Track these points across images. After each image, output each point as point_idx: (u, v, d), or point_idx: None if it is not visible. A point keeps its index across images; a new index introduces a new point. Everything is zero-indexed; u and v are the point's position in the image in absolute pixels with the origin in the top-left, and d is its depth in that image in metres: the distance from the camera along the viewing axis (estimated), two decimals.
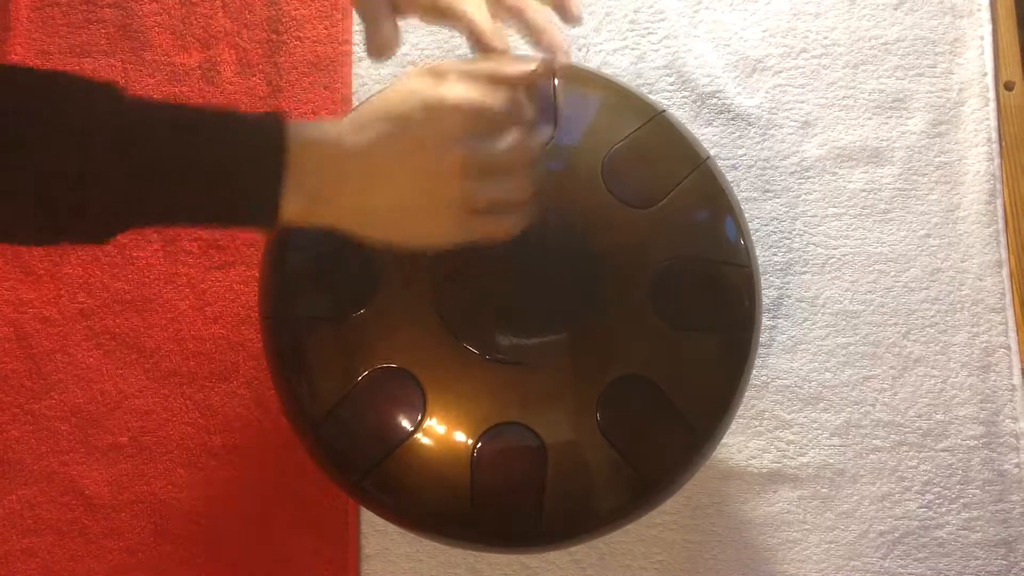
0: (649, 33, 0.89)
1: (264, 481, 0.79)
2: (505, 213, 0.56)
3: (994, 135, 0.86)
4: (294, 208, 0.52)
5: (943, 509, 0.79)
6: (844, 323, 0.82)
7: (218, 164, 0.51)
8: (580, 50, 0.89)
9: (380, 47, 0.58)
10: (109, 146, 0.49)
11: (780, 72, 0.88)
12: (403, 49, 0.88)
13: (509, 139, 0.55)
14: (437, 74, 0.55)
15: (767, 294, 0.83)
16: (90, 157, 0.49)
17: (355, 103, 0.87)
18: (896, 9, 0.90)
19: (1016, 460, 0.80)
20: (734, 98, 0.87)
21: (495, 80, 0.55)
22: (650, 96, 0.81)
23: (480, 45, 0.58)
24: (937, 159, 0.86)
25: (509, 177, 0.55)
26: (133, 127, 0.50)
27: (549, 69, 0.57)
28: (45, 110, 0.48)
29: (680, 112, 0.87)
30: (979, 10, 0.89)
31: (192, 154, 0.51)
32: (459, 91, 0.54)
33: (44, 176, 0.49)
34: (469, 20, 0.58)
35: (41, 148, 0.48)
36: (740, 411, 0.73)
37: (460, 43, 0.88)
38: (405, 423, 0.62)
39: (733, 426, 0.69)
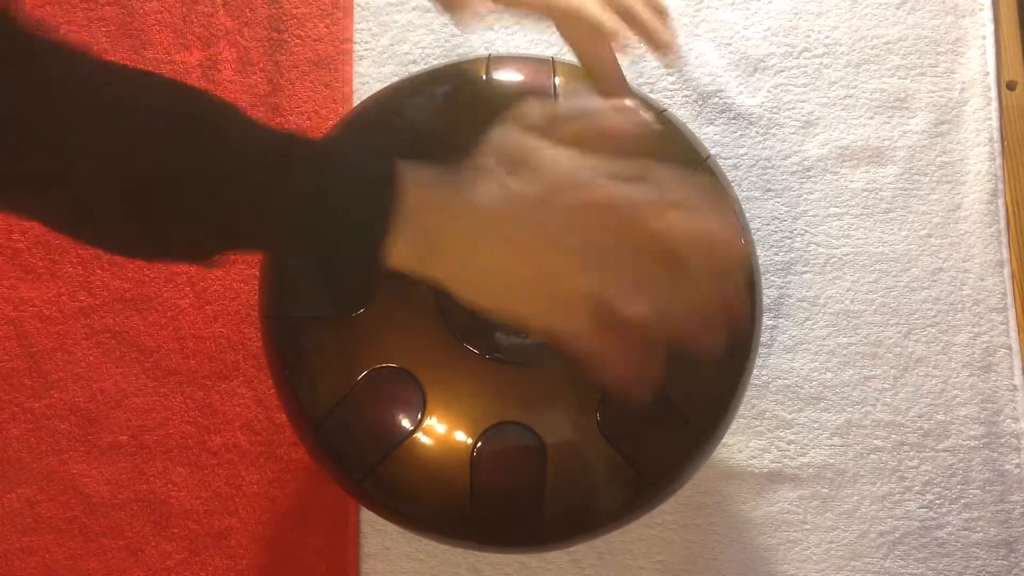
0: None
1: (264, 480, 0.79)
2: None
3: (996, 135, 0.86)
4: (402, 252, 0.47)
5: (944, 509, 0.79)
6: (845, 323, 0.82)
7: (323, 195, 0.47)
8: None
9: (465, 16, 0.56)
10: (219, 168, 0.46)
11: (782, 71, 0.88)
12: (404, 48, 0.88)
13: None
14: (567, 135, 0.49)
15: (768, 293, 0.83)
16: (202, 178, 0.46)
17: (356, 101, 0.87)
18: (898, 8, 0.89)
19: (1017, 460, 0.80)
20: (735, 97, 0.87)
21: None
22: (651, 95, 0.81)
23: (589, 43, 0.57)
24: (939, 159, 0.86)
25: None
26: (244, 152, 0.47)
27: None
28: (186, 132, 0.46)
29: (681, 111, 0.87)
30: (981, 9, 0.89)
31: (292, 183, 0.47)
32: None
33: (146, 189, 0.46)
34: (583, 11, 0.55)
35: (157, 160, 0.45)
36: (740, 411, 0.73)
37: (462, 41, 0.88)
38: (405, 422, 0.62)
39: (733, 426, 0.69)
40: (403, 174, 0.47)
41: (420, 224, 0.47)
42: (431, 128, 0.66)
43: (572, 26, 0.58)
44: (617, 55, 0.59)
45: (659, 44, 0.60)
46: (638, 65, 0.88)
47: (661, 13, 0.61)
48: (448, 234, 0.48)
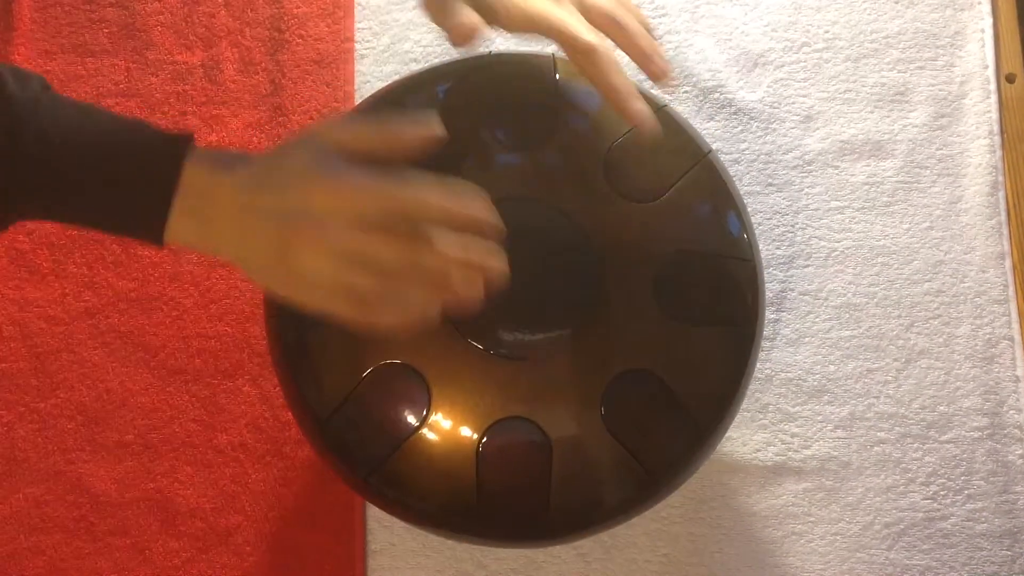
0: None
1: (270, 478, 0.80)
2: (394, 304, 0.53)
3: (996, 127, 0.86)
4: (181, 230, 0.52)
5: (948, 500, 0.79)
6: (847, 316, 0.82)
7: (116, 170, 0.52)
8: None
9: (463, 33, 0.57)
10: (9, 129, 0.50)
11: (782, 66, 0.88)
12: (405, 46, 0.88)
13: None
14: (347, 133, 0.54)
15: (770, 287, 0.83)
16: None
17: (357, 100, 0.87)
18: (897, 3, 0.90)
19: (1020, 451, 0.80)
20: (736, 92, 0.87)
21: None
22: (652, 91, 0.82)
23: (578, 55, 0.58)
24: (939, 152, 0.86)
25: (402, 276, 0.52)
26: (41, 115, 0.51)
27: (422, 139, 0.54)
28: None
29: (682, 107, 0.87)
30: (980, 3, 0.89)
31: (94, 154, 0.52)
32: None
33: None
34: (565, 31, 0.58)
35: None
36: (744, 404, 0.73)
37: None
38: (410, 419, 0.62)
39: (737, 419, 0.70)
40: (193, 155, 0.52)
41: (193, 204, 0.52)
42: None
43: (565, 47, 0.60)
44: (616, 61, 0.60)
45: (653, 73, 0.62)
46: None
47: (648, 31, 0.62)
48: (215, 216, 0.53)
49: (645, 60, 0.62)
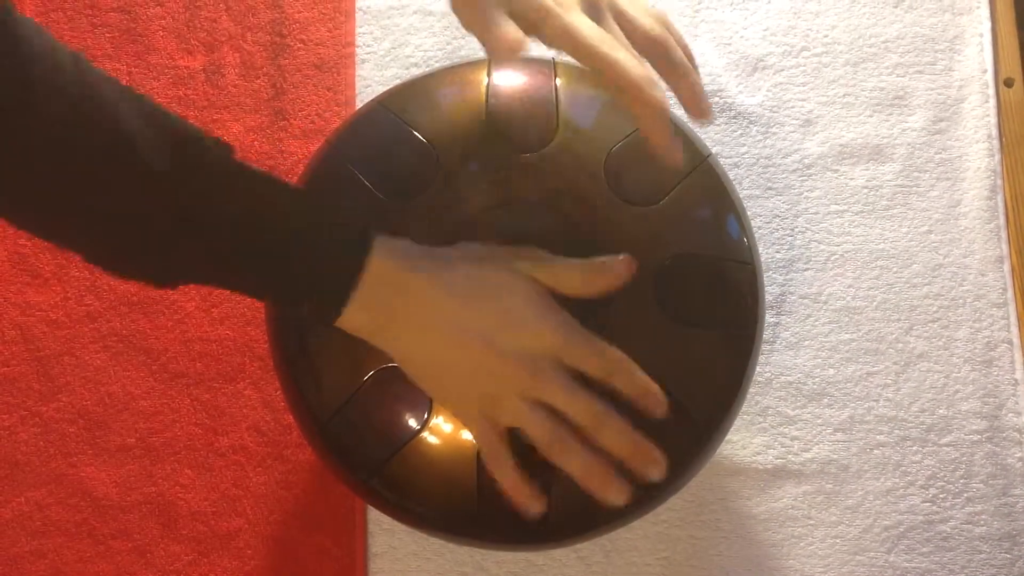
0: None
1: (271, 481, 0.80)
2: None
3: (994, 131, 0.87)
4: (356, 320, 0.52)
5: (947, 504, 0.79)
6: (847, 319, 0.83)
7: (296, 247, 0.51)
8: None
9: (504, 47, 0.54)
10: (198, 198, 0.49)
11: (781, 71, 0.88)
12: (406, 51, 0.89)
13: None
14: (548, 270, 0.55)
15: (770, 291, 0.83)
16: (175, 205, 0.49)
17: (359, 104, 0.87)
18: (896, 7, 0.90)
19: (1019, 454, 0.80)
20: (735, 97, 0.88)
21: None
22: None
23: (623, 93, 0.55)
24: (938, 156, 0.86)
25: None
26: (229, 186, 0.50)
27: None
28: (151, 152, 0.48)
29: (682, 111, 0.87)
30: (978, 7, 0.90)
31: (274, 229, 0.51)
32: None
33: (114, 215, 0.49)
34: (613, 65, 0.55)
35: (130, 187, 0.48)
36: (744, 408, 0.73)
37: (463, 44, 0.89)
38: (411, 422, 0.62)
39: (737, 423, 0.70)
40: (373, 244, 0.52)
41: (378, 297, 0.52)
42: (430, 134, 0.66)
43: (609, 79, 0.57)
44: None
45: (696, 114, 0.59)
46: None
47: (690, 59, 0.60)
48: (401, 314, 0.53)
49: (692, 101, 0.58)
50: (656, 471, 0.55)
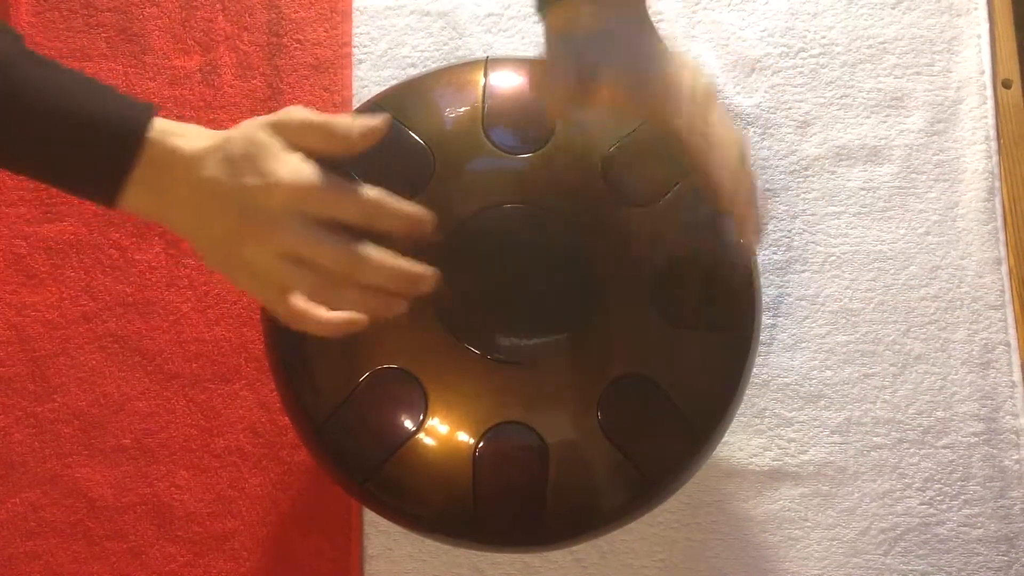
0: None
1: (267, 482, 0.80)
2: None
3: (992, 133, 0.87)
4: (135, 199, 0.54)
5: (944, 506, 0.79)
6: (844, 321, 0.83)
7: (79, 130, 0.53)
8: None
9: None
10: None
11: (778, 72, 0.88)
12: (403, 51, 0.89)
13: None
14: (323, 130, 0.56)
15: (767, 292, 0.83)
16: None
17: (355, 104, 0.87)
18: (893, 8, 0.90)
19: (1017, 456, 0.80)
20: (733, 98, 0.87)
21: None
22: None
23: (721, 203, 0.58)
24: (935, 157, 0.86)
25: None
26: (13, 68, 0.52)
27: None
28: None
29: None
30: (976, 8, 0.90)
31: (61, 109, 0.53)
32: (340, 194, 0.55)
33: None
34: (716, 177, 0.59)
35: None
36: (741, 409, 0.73)
37: (460, 44, 0.89)
38: (407, 423, 0.62)
39: (734, 424, 0.70)
40: (157, 127, 0.54)
41: (154, 177, 0.54)
42: (427, 135, 0.66)
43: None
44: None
45: (750, 236, 0.61)
46: None
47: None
48: (174, 193, 0.54)
49: (748, 230, 0.61)
50: (425, 284, 0.56)
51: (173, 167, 0.54)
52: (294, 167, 0.54)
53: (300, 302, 0.55)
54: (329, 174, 0.55)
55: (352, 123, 0.56)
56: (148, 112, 0.54)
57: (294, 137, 0.55)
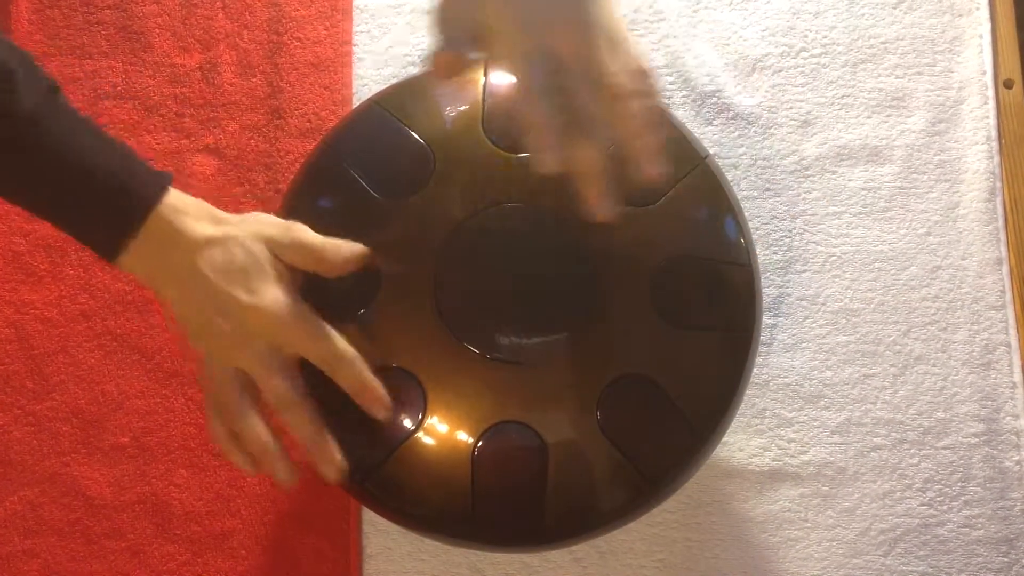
0: (648, 33, 0.89)
1: (265, 481, 0.80)
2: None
3: (993, 133, 0.86)
4: (132, 263, 0.57)
5: (944, 507, 0.79)
6: (844, 321, 0.82)
7: (92, 189, 0.56)
8: None
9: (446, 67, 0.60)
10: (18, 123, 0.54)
11: (780, 71, 0.88)
12: (403, 49, 0.88)
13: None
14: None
15: (767, 292, 0.83)
16: None
17: (355, 103, 0.87)
18: (895, 8, 0.90)
19: (1017, 457, 0.80)
20: (734, 97, 0.87)
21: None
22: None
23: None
24: (937, 157, 0.86)
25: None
26: (46, 118, 0.55)
27: None
28: None
29: (679, 111, 0.87)
30: (978, 9, 0.89)
31: (78, 166, 0.56)
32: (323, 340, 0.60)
33: None
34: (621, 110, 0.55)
35: None
36: (741, 409, 0.73)
37: None
38: (406, 423, 0.62)
39: (734, 425, 0.69)
40: (163, 197, 0.57)
41: (152, 249, 0.57)
42: (427, 133, 0.66)
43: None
44: None
45: (650, 171, 0.58)
46: None
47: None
48: (167, 270, 0.58)
49: (647, 160, 0.56)
50: (330, 471, 0.60)
51: (173, 246, 0.57)
52: (278, 297, 0.58)
53: (221, 431, 0.61)
54: (309, 314, 0.59)
55: (339, 252, 0.61)
56: (161, 182, 0.57)
57: (288, 255, 0.60)
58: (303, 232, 0.61)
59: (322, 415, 0.60)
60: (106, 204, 0.56)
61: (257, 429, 0.60)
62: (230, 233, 0.58)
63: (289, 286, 0.59)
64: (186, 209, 0.58)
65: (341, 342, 0.60)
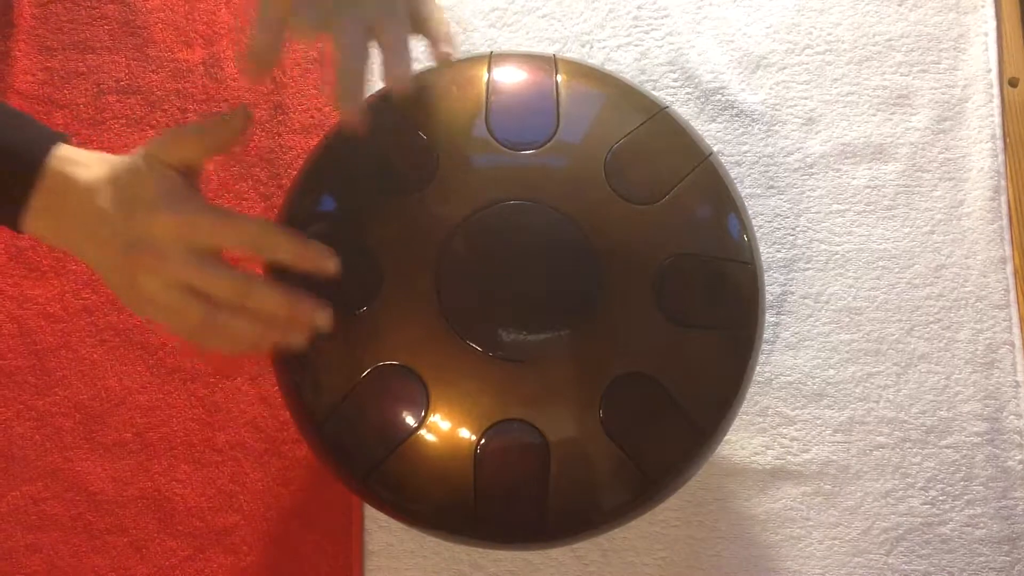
0: (653, 30, 0.89)
1: (268, 477, 0.80)
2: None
3: (998, 131, 0.86)
4: (36, 224, 0.56)
5: (947, 506, 0.79)
6: (848, 319, 0.82)
7: None
8: (584, 46, 0.88)
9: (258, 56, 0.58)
10: None
11: (784, 68, 0.88)
12: None
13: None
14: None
15: (771, 290, 0.83)
16: None
17: None
18: (900, 5, 0.89)
19: (1020, 457, 0.80)
20: (738, 94, 0.87)
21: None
22: (654, 92, 0.81)
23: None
24: (941, 155, 0.86)
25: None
26: None
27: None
28: None
29: (684, 108, 0.87)
30: (983, 6, 0.89)
31: None
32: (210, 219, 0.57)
33: None
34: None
35: None
36: (743, 408, 0.73)
37: (465, 39, 0.88)
38: (408, 420, 0.62)
39: (736, 423, 0.69)
40: (59, 154, 0.56)
41: (52, 203, 0.56)
42: (430, 130, 0.66)
43: None
44: None
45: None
46: (640, 62, 0.88)
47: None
48: (71, 220, 0.57)
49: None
50: (322, 318, 0.59)
51: (67, 196, 0.56)
52: (173, 201, 0.56)
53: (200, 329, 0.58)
54: (212, 205, 0.58)
55: (221, 116, 0.59)
56: (52, 140, 0.56)
57: (175, 155, 0.58)
58: (178, 127, 0.60)
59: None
60: (2, 163, 0.55)
61: (243, 320, 0.58)
62: (116, 166, 0.57)
63: (181, 187, 0.58)
64: (79, 159, 0.57)
65: (248, 221, 0.58)
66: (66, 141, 0.57)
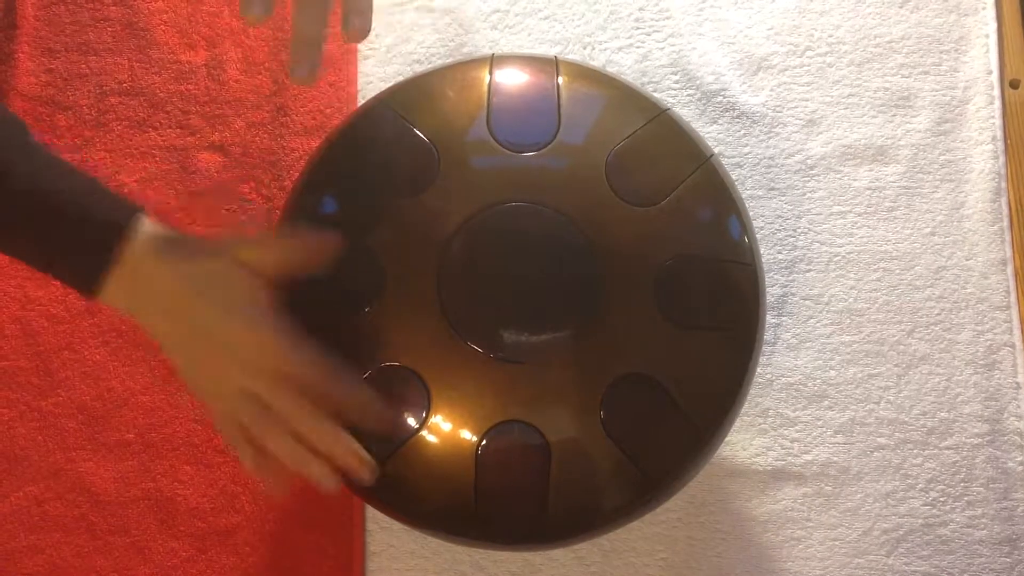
0: (654, 31, 0.89)
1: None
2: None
3: (999, 133, 0.86)
4: (114, 298, 0.57)
5: (947, 507, 0.79)
6: (848, 321, 0.82)
7: (63, 229, 0.56)
8: (585, 48, 0.89)
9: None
10: None
11: (785, 70, 0.88)
12: (409, 47, 0.88)
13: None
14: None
15: (771, 292, 0.83)
16: None
17: (361, 100, 0.87)
18: (901, 7, 0.89)
19: (1020, 458, 0.80)
20: (739, 96, 0.87)
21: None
22: (655, 94, 0.82)
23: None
24: (942, 157, 0.86)
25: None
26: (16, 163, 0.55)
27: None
28: None
29: (685, 110, 0.87)
30: (984, 8, 0.89)
31: (49, 199, 0.56)
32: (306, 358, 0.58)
33: None
34: None
35: None
36: (744, 409, 0.73)
37: (466, 41, 0.89)
38: (410, 421, 0.62)
39: (737, 424, 0.70)
40: (140, 227, 0.57)
41: (131, 281, 0.57)
42: (432, 132, 0.66)
43: None
44: None
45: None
46: (642, 64, 0.88)
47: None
48: (150, 300, 0.58)
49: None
50: (365, 472, 0.60)
51: (151, 278, 0.57)
52: (269, 326, 0.58)
53: (248, 450, 0.59)
54: (299, 339, 0.58)
55: (304, 242, 0.61)
56: (132, 211, 0.57)
57: (268, 265, 0.59)
58: (279, 240, 0.62)
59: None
60: (80, 242, 0.56)
61: (289, 440, 0.59)
62: (210, 263, 0.58)
63: (272, 311, 0.59)
64: (161, 237, 0.58)
65: (330, 364, 0.59)
66: (142, 210, 0.58)
